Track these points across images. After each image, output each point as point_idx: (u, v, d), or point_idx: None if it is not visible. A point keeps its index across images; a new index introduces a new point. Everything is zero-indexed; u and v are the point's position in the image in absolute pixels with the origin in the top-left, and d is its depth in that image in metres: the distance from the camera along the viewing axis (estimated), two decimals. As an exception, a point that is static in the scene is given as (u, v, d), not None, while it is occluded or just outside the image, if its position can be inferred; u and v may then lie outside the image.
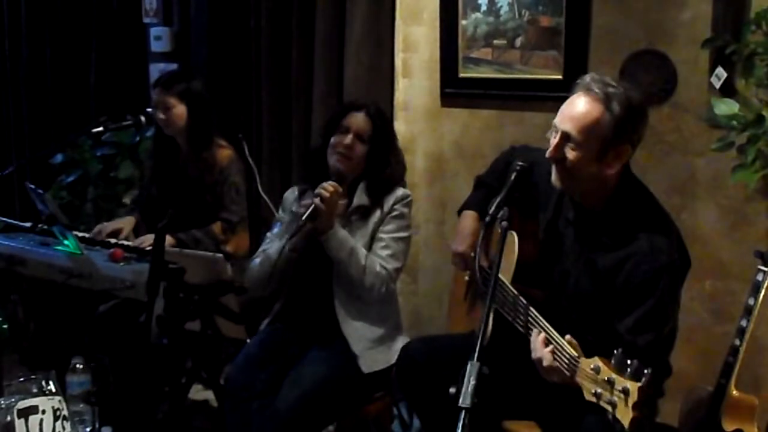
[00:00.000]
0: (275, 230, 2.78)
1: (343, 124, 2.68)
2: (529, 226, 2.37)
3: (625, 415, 1.73)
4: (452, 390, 1.77)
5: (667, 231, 2.14)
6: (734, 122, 2.58)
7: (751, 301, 2.40)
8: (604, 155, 2.09)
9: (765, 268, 2.40)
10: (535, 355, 2.01)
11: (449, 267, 2.75)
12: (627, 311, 2.08)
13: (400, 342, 2.72)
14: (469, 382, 1.75)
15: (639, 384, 1.72)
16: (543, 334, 2.01)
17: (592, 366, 1.82)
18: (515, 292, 2.20)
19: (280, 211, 2.87)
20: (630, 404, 1.72)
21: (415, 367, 2.45)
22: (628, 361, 1.75)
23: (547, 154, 2.14)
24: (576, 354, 1.91)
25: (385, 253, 2.64)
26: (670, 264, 2.09)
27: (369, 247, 2.66)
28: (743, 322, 2.40)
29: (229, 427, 2.63)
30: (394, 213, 2.68)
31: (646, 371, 1.73)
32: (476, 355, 1.81)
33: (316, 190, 2.53)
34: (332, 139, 2.68)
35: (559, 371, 1.96)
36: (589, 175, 2.12)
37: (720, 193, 2.87)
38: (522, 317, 2.15)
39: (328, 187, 2.53)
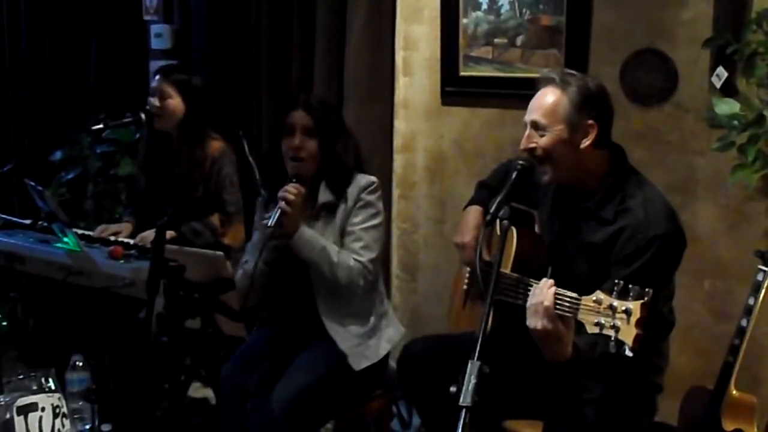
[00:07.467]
0: (254, 238, 2.77)
1: (287, 124, 2.64)
2: (528, 230, 2.40)
3: (628, 335, 1.75)
4: (453, 389, 1.77)
5: (663, 205, 2.19)
6: (735, 122, 2.58)
7: (751, 301, 2.40)
8: (573, 134, 2.18)
9: (765, 268, 2.40)
10: (535, 299, 1.94)
11: (449, 266, 2.75)
12: (611, 275, 2.08)
13: (390, 331, 2.72)
14: (470, 381, 1.75)
15: (641, 301, 1.75)
16: (550, 281, 1.98)
17: (594, 299, 1.84)
18: (516, 275, 2.21)
19: (256, 218, 2.84)
20: (633, 322, 1.75)
21: (416, 366, 2.45)
22: (630, 286, 1.78)
23: (521, 146, 2.24)
24: (577, 294, 1.91)
25: (357, 245, 2.61)
26: (664, 234, 2.12)
27: (341, 243, 2.64)
28: (743, 322, 2.40)
29: (224, 427, 2.63)
30: (360, 203, 2.64)
31: (647, 290, 1.76)
32: (477, 353, 1.81)
33: (279, 194, 2.52)
34: (283, 145, 2.65)
35: (553, 320, 1.91)
36: (568, 158, 2.20)
37: (720, 192, 2.87)
38: (523, 292, 2.16)
39: (291, 189, 2.52)
